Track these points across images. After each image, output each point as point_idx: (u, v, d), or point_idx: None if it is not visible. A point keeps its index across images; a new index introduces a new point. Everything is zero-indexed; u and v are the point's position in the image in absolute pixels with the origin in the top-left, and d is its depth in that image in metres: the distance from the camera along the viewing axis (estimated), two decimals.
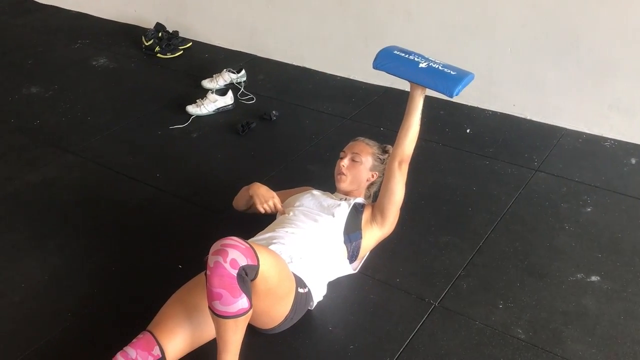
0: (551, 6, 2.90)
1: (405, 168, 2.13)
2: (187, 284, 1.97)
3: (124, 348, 1.79)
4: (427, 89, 2.05)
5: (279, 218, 2.21)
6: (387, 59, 2.08)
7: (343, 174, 2.28)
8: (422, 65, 2.01)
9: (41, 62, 4.15)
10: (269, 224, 2.22)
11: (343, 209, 2.17)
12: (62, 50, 4.32)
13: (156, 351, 1.79)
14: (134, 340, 1.81)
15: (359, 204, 2.24)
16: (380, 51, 2.11)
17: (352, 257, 2.17)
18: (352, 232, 2.15)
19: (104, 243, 2.49)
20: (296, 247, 2.02)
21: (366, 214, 2.21)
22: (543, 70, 3.05)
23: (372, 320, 2.05)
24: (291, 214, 2.18)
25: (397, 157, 2.11)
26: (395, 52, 2.10)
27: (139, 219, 2.62)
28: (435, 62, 2.03)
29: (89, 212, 2.68)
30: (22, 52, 4.31)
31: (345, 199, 2.25)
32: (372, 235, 2.21)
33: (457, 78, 1.97)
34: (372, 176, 2.30)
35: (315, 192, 2.32)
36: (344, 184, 2.29)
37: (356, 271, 2.23)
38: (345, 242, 2.13)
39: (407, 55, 2.07)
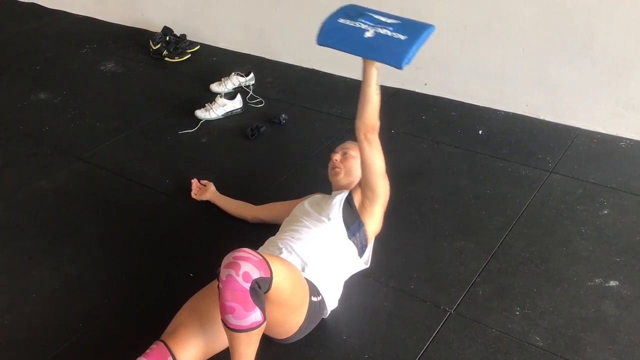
0: (564, 4, 2.85)
1: (373, 138, 2.06)
2: (200, 292, 1.95)
3: (137, 359, 1.77)
4: None
5: (284, 226, 2.19)
6: (330, 32, 1.88)
7: (337, 167, 2.29)
8: (368, 34, 1.83)
9: (49, 68, 4.14)
10: (278, 229, 2.20)
11: (336, 208, 2.13)
12: (70, 55, 4.31)
13: None
14: (147, 351, 1.80)
15: (348, 194, 2.19)
16: (324, 23, 1.91)
17: (362, 249, 2.13)
18: (352, 223, 2.11)
19: (114, 251, 2.47)
20: (307, 254, 2.00)
21: (357, 199, 2.17)
22: (556, 69, 3.00)
23: (387, 328, 2.02)
24: (295, 223, 2.14)
25: (361, 130, 2.05)
26: (341, 20, 1.90)
27: (149, 226, 2.60)
28: (385, 25, 1.84)
29: (99, 219, 2.67)
30: (30, 57, 4.30)
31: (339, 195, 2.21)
32: (372, 216, 2.15)
33: (406, 45, 1.77)
34: None
35: (316, 196, 2.30)
36: (339, 176, 2.27)
37: (368, 265, 2.19)
38: (350, 238, 2.10)
39: (353, 23, 1.87)
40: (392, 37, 1.80)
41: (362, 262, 2.17)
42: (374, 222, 2.17)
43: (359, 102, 2.05)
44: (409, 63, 1.78)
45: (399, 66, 1.78)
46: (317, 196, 2.30)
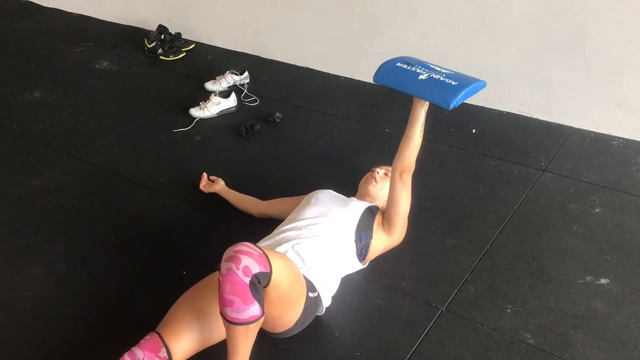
0: (557, 3, 2.86)
1: (406, 178, 2.13)
2: (196, 286, 1.98)
3: (132, 349, 1.80)
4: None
5: (288, 219, 2.22)
6: (387, 72, 2.04)
7: (375, 179, 2.33)
8: (422, 77, 1.96)
9: (44, 66, 4.14)
10: (276, 226, 2.22)
11: (358, 207, 2.19)
12: (65, 53, 4.31)
13: (163, 353, 1.79)
14: (141, 341, 1.82)
15: (374, 206, 2.26)
16: (383, 64, 2.07)
17: (361, 256, 2.17)
18: (364, 230, 2.15)
19: (108, 249, 2.47)
20: (306, 252, 2.02)
21: (378, 218, 2.22)
22: (549, 68, 3.01)
23: (379, 326, 2.03)
24: (305, 212, 2.18)
25: (398, 168, 2.12)
26: (398, 64, 2.05)
27: (143, 224, 2.61)
28: (439, 72, 1.97)
29: (93, 217, 2.67)
30: (25, 56, 4.30)
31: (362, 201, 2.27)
32: (381, 239, 2.21)
33: (456, 89, 1.89)
34: None
35: (332, 191, 2.34)
36: (373, 188, 2.32)
37: (366, 265, 2.22)
38: (355, 240, 2.14)
39: (409, 67, 2.02)
40: (444, 81, 1.92)
41: (360, 264, 2.19)
42: (379, 244, 2.22)
43: (402, 140, 2.10)
44: (457, 106, 1.88)
45: (447, 106, 1.88)
46: (334, 192, 2.34)
